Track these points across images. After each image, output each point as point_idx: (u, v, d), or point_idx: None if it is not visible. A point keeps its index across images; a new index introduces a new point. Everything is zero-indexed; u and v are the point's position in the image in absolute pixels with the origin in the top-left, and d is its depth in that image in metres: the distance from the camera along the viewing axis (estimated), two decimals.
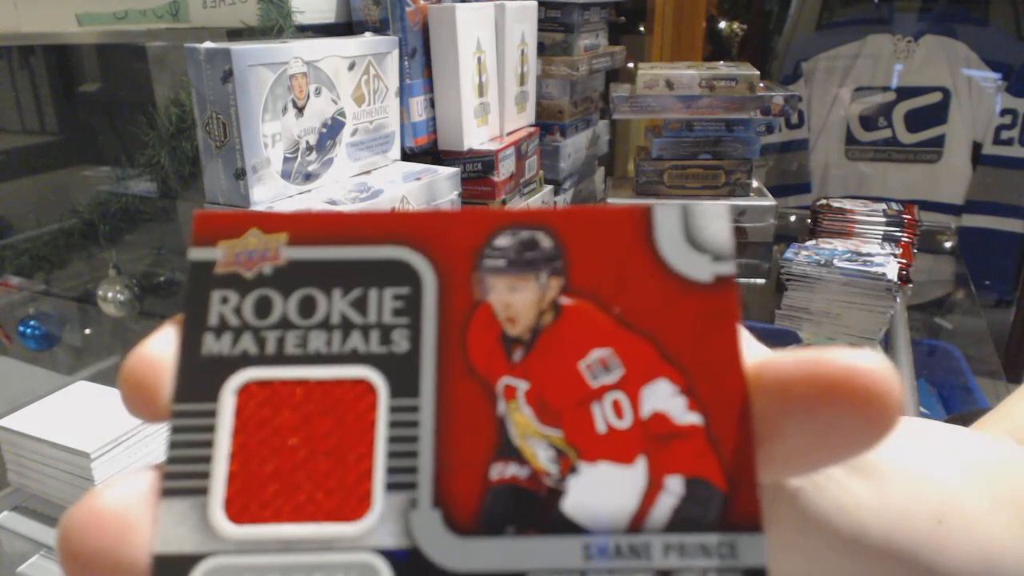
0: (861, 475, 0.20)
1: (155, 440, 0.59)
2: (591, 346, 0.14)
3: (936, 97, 1.67)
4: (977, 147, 1.67)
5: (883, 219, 0.98)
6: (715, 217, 0.14)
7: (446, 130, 0.83)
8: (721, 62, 1.14)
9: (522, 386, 0.13)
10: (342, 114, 0.71)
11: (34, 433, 0.55)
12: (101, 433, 0.55)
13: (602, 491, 0.13)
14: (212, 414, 0.13)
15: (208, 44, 0.59)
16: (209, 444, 0.13)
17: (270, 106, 0.62)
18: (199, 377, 0.13)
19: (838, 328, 0.83)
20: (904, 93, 1.70)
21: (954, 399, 0.86)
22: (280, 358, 0.13)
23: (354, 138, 0.73)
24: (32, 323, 0.82)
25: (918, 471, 0.22)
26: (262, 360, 0.13)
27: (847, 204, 1.03)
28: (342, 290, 0.14)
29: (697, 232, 0.14)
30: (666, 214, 0.14)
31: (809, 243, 0.93)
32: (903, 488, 0.21)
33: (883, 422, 0.13)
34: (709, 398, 0.13)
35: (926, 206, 1.40)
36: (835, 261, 0.84)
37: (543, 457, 0.13)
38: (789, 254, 0.87)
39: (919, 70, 1.68)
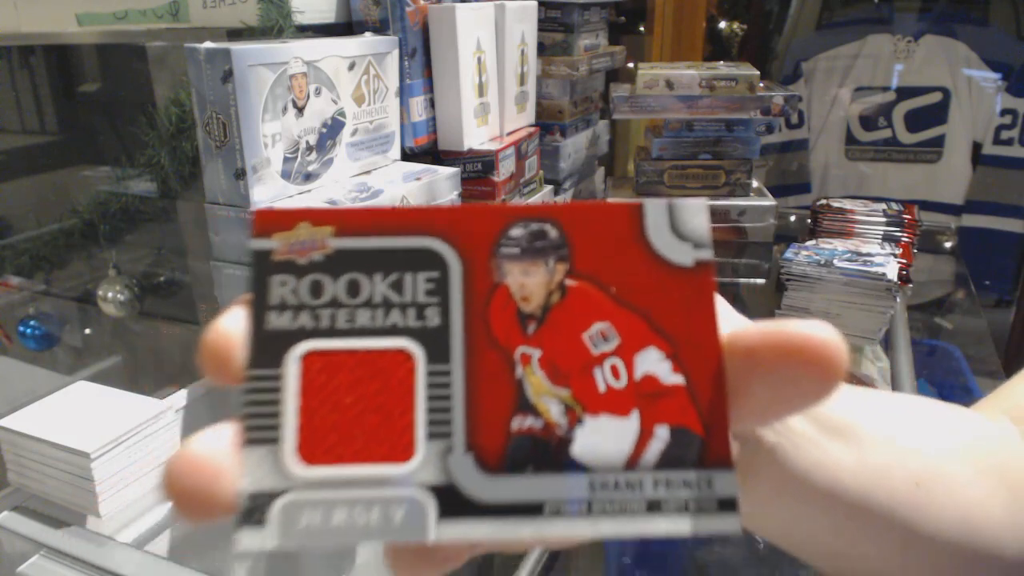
0: (840, 438, 0.22)
1: (156, 440, 0.58)
2: (592, 320, 0.16)
3: (936, 97, 1.67)
4: (977, 147, 1.67)
5: (883, 219, 0.98)
6: (696, 212, 0.17)
7: (446, 130, 0.83)
8: (721, 62, 1.14)
9: (536, 354, 0.16)
10: (342, 114, 0.71)
11: (34, 433, 0.55)
12: (101, 433, 0.55)
13: (603, 438, 0.16)
14: (279, 378, 0.16)
15: (208, 44, 0.59)
16: (278, 403, 0.15)
17: (270, 106, 0.62)
18: (266, 348, 0.16)
19: (838, 328, 0.83)
20: (904, 93, 1.70)
21: (954, 399, 0.86)
22: (333, 332, 0.16)
23: (354, 138, 0.73)
24: (32, 323, 0.82)
25: (898, 439, 0.24)
26: (318, 333, 0.16)
27: (847, 204, 1.03)
28: (382, 274, 0.16)
29: (681, 224, 0.17)
30: (655, 209, 0.17)
31: (809, 243, 0.93)
32: (882, 452, 0.23)
33: (831, 379, 0.15)
34: (690, 362, 0.16)
35: (926, 206, 1.40)
36: (835, 261, 0.84)
37: (554, 411, 0.16)
38: (789, 254, 0.87)
39: (919, 70, 1.68)
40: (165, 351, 0.86)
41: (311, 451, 0.15)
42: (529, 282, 0.16)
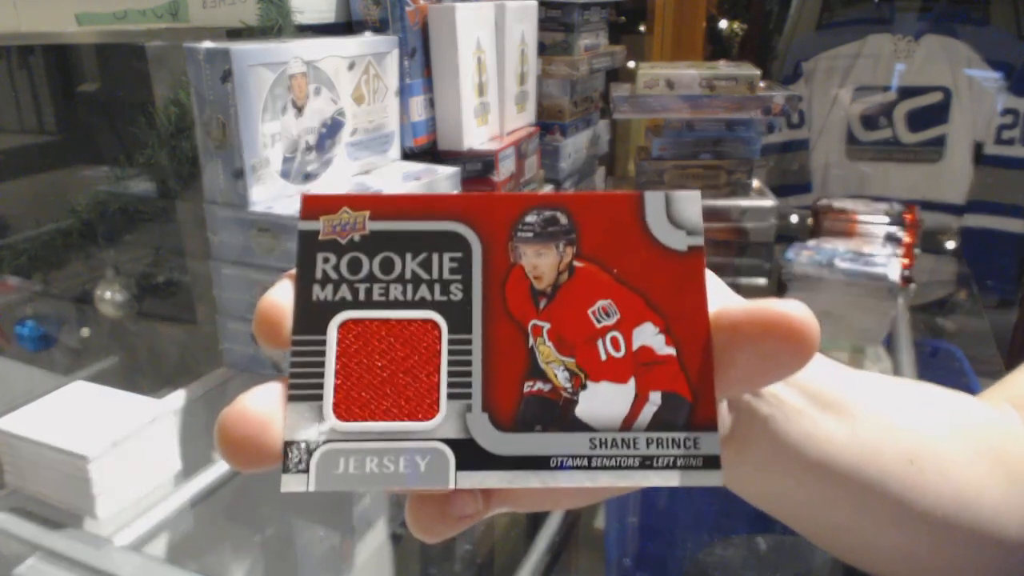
0: (832, 413, 0.23)
1: (153, 441, 0.58)
2: (596, 298, 0.18)
3: (937, 97, 1.67)
4: (979, 147, 1.66)
5: (884, 219, 0.98)
6: (690, 202, 0.18)
7: (446, 130, 0.83)
8: (722, 62, 1.13)
9: (546, 326, 0.18)
10: (342, 114, 0.71)
11: (31, 435, 0.55)
12: (99, 435, 0.55)
13: (604, 401, 0.17)
14: (321, 343, 0.18)
15: (208, 44, 0.59)
16: (320, 364, 0.17)
17: (269, 106, 0.62)
18: (311, 316, 0.18)
19: (839, 328, 0.83)
20: (905, 93, 1.69)
21: None
22: (369, 303, 0.18)
23: (354, 138, 0.73)
24: (29, 324, 0.82)
25: (892, 418, 0.25)
26: (356, 304, 0.18)
27: (848, 204, 1.02)
28: (412, 254, 0.18)
29: (676, 213, 0.18)
30: (653, 199, 0.18)
31: (810, 243, 0.93)
32: (875, 428, 0.24)
33: (804, 351, 0.17)
34: (682, 336, 0.18)
35: (927, 206, 1.40)
36: (836, 261, 0.83)
37: (561, 377, 0.18)
38: (790, 254, 0.87)
39: (920, 70, 1.67)
40: (163, 351, 0.85)
41: (348, 407, 0.17)
42: (541, 263, 0.18)
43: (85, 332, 0.86)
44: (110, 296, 0.77)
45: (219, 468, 0.63)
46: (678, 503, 0.73)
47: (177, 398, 0.65)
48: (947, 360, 0.90)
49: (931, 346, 0.93)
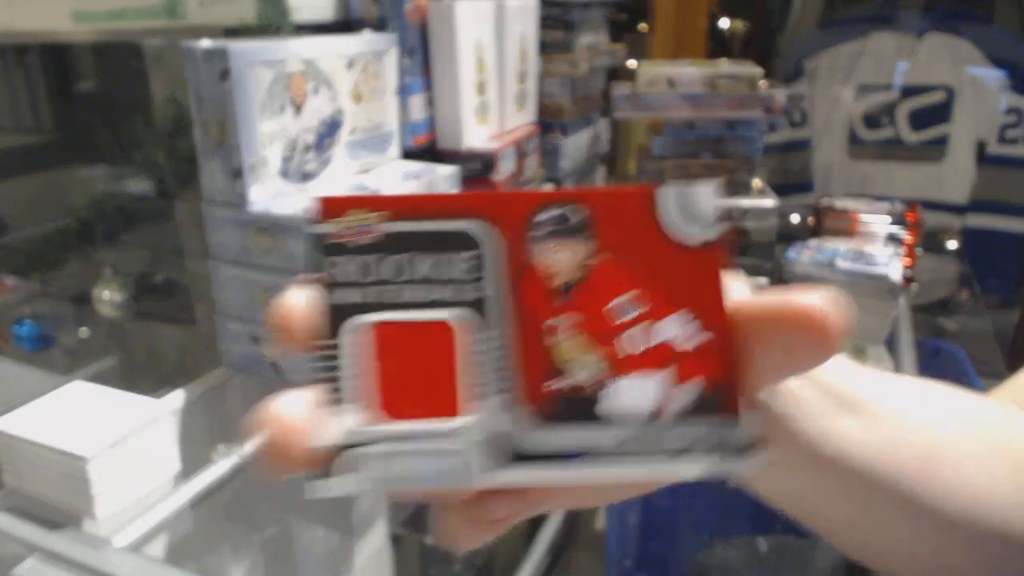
0: (848, 410, 0.23)
1: (152, 441, 0.58)
2: (615, 293, 0.18)
3: (940, 96, 1.66)
4: (981, 146, 1.66)
5: (886, 219, 0.97)
6: (704, 196, 0.19)
7: (445, 129, 0.83)
8: (723, 60, 1.13)
9: (565, 323, 0.18)
10: (340, 113, 0.70)
11: (30, 435, 0.55)
12: (98, 435, 0.54)
13: (628, 396, 0.18)
14: (339, 347, 0.18)
15: (206, 42, 0.59)
16: (339, 368, 0.18)
17: (268, 105, 0.62)
18: (329, 321, 0.18)
19: None
20: (908, 91, 1.68)
21: None
22: (384, 305, 0.18)
23: (352, 137, 0.73)
24: (28, 323, 0.82)
25: (908, 417, 0.25)
26: (371, 307, 0.18)
27: (850, 204, 1.02)
28: (427, 254, 0.18)
29: (691, 208, 0.19)
30: (668, 194, 0.19)
31: (811, 243, 0.92)
32: (890, 426, 0.24)
33: (828, 344, 0.17)
34: (703, 329, 0.18)
35: (930, 206, 1.39)
36: (837, 261, 0.83)
37: (584, 373, 0.18)
38: (791, 254, 0.86)
39: (923, 68, 1.66)
40: (162, 351, 0.85)
41: (369, 410, 0.17)
42: (558, 259, 0.18)
43: (84, 332, 0.86)
44: (108, 296, 0.77)
45: (218, 469, 0.63)
46: (679, 504, 0.72)
47: (176, 398, 0.65)
48: (948, 360, 0.89)
49: (932, 346, 0.92)
